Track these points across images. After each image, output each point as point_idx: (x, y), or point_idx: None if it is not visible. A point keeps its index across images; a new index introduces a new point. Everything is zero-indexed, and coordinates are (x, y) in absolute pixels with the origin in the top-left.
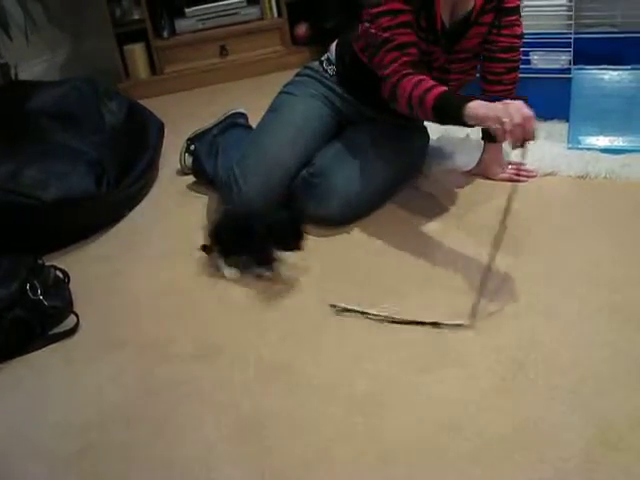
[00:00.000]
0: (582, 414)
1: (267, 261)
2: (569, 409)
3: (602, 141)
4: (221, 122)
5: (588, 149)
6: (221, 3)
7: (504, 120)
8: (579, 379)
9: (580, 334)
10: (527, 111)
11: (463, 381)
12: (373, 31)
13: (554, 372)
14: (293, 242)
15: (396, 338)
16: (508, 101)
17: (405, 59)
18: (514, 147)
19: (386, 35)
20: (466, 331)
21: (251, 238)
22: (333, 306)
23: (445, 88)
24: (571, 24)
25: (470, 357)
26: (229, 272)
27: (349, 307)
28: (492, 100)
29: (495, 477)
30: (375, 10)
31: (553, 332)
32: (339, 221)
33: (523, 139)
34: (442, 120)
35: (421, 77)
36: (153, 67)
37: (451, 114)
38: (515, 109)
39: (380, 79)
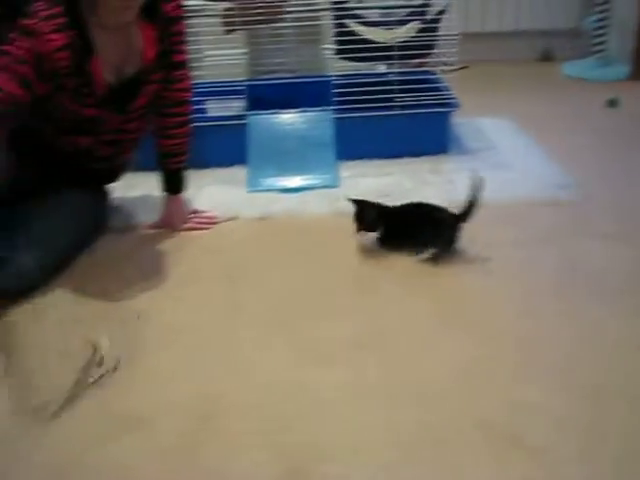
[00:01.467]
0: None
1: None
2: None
3: (280, 181)
4: None
5: (267, 190)
6: None
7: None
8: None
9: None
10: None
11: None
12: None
13: (238, 419)
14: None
15: None
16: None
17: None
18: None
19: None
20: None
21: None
22: None
23: None
24: (244, 72)
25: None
26: None
27: None
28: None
29: None
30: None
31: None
32: (16, 294)
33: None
34: None
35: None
36: None
37: None
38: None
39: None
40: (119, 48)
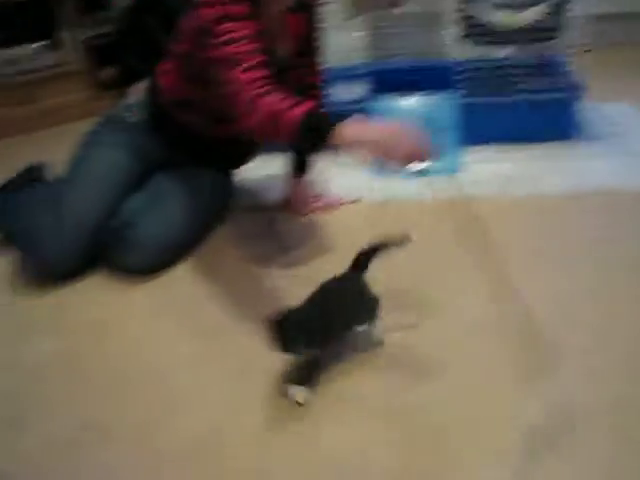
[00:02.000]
0: None
1: None
2: None
3: None
4: (19, 177)
5: (391, 175)
6: (21, 48)
7: (383, 146)
8: None
9: None
10: (411, 132)
11: None
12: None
13: None
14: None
15: None
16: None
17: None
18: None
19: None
20: None
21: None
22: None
23: (315, 104)
24: (370, 55)
25: None
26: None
27: None
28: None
29: None
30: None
31: None
32: (149, 271)
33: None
34: (304, 140)
35: (281, 92)
36: None
37: (318, 133)
38: (398, 134)
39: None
40: (274, 34)
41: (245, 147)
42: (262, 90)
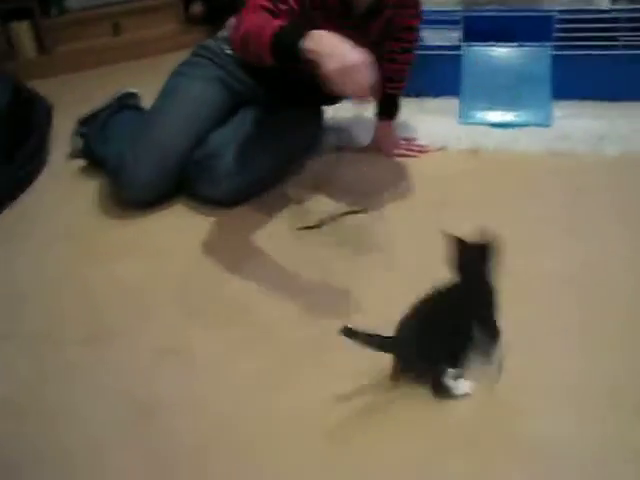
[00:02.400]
0: None
1: None
2: None
3: (492, 116)
4: (112, 104)
5: (478, 124)
6: None
7: (343, 82)
8: None
9: None
10: (357, 59)
11: None
12: None
13: None
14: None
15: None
16: (360, 57)
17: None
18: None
19: None
20: None
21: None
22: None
23: (289, 22)
24: (461, 1)
25: None
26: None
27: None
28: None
29: None
30: None
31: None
32: (230, 202)
33: (356, 94)
34: (280, 51)
35: (271, 15)
36: (42, 46)
37: (288, 44)
38: (362, 79)
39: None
40: None
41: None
42: (257, 10)
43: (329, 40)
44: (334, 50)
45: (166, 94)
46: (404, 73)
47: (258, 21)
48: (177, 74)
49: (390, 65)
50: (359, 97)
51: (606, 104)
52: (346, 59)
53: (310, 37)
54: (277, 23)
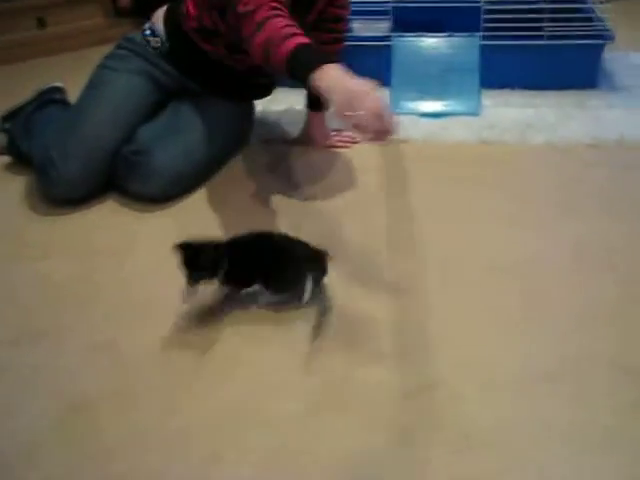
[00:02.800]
0: None
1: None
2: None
3: (422, 106)
4: (36, 98)
5: (409, 114)
6: None
7: (352, 111)
8: None
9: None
10: (382, 107)
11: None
12: None
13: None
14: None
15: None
16: (366, 86)
17: None
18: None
19: None
20: None
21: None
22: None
23: (309, 40)
24: None
25: None
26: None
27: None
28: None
29: None
30: None
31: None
32: (162, 199)
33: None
34: (293, 75)
35: (291, 21)
36: None
37: (300, 72)
38: (370, 103)
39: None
40: None
41: (263, 79)
42: (271, 13)
43: (331, 75)
44: (337, 84)
45: (91, 87)
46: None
47: (281, 31)
48: (102, 67)
49: None
50: (378, 132)
51: (533, 93)
52: (348, 89)
53: (319, 72)
54: (299, 40)
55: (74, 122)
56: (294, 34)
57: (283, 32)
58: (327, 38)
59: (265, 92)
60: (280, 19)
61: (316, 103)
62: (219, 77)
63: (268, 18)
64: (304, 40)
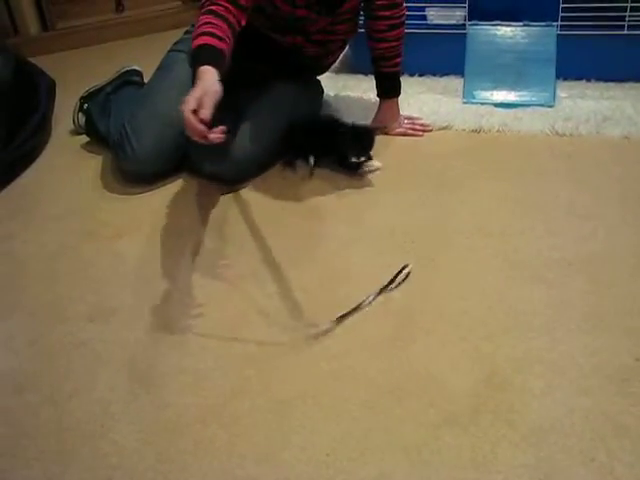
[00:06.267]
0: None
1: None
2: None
3: (496, 96)
4: (114, 80)
5: (482, 103)
6: None
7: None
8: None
9: (470, 284)
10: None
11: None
12: None
13: (444, 321)
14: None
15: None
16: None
17: None
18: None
19: None
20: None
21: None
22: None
23: (209, 41)
24: None
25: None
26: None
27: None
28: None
29: (387, 423)
30: None
31: (442, 283)
32: (232, 180)
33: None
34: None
35: (215, 20)
36: (44, 23)
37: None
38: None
39: None
40: None
41: (307, 58)
42: (207, 8)
43: (201, 77)
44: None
45: (161, 70)
46: (397, 50)
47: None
48: (172, 51)
49: (380, 44)
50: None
51: (611, 85)
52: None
53: (197, 72)
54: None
55: (146, 99)
56: (200, 34)
57: (199, 30)
58: (382, 26)
59: (317, 69)
60: (208, 16)
61: (388, 90)
62: (276, 55)
63: (202, 13)
64: (206, 42)
